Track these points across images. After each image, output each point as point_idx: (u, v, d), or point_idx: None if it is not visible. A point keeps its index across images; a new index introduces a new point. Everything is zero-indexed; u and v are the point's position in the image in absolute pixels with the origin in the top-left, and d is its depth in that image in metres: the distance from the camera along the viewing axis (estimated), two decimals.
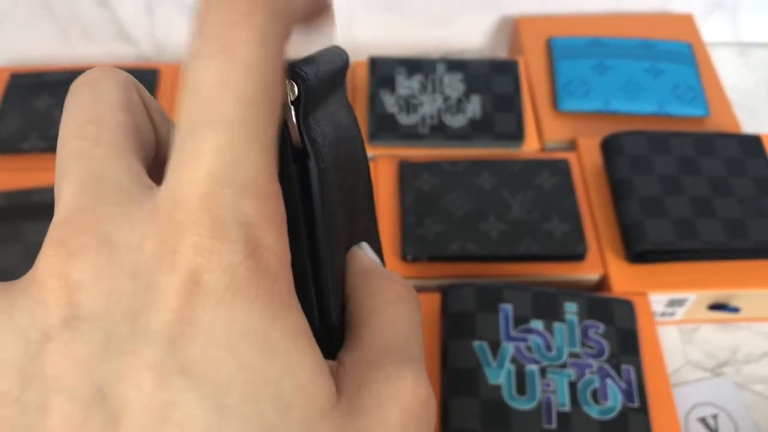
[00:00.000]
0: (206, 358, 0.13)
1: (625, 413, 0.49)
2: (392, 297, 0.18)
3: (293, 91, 0.16)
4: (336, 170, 0.18)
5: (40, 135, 0.64)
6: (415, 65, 0.68)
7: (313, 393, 0.14)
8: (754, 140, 0.62)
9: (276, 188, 0.15)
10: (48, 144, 0.63)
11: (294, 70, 0.16)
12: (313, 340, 0.15)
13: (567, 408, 0.48)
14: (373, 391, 0.16)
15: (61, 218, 0.15)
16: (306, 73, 0.16)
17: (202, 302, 0.13)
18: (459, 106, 0.66)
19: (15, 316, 0.14)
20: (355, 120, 0.21)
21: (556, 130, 0.67)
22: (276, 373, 0.14)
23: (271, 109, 0.14)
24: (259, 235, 0.14)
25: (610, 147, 0.62)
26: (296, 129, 0.17)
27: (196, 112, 0.14)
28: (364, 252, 0.20)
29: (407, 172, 0.61)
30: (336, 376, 0.16)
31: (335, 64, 0.19)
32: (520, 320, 0.51)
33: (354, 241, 0.20)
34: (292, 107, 0.16)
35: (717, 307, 0.58)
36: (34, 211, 0.58)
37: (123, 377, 0.13)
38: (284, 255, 0.15)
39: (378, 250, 0.22)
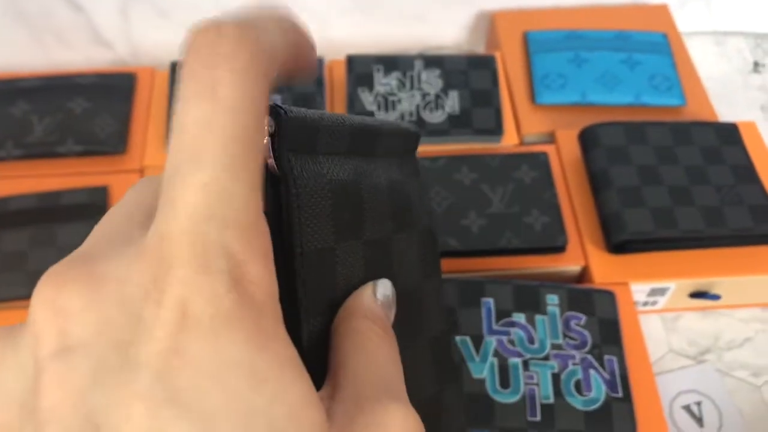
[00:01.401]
0: (194, 389, 0.13)
1: (608, 403, 0.49)
2: (373, 336, 0.19)
3: (270, 125, 0.17)
4: (346, 211, 0.20)
5: (15, 143, 0.63)
6: (393, 62, 0.68)
7: (303, 421, 0.14)
8: (731, 128, 0.63)
9: (262, 223, 0.15)
10: (24, 151, 0.62)
11: (274, 107, 0.17)
12: (301, 369, 0.15)
13: (551, 400, 0.48)
14: (365, 423, 0.16)
15: (65, 258, 0.15)
16: (284, 110, 0.17)
17: (188, 333, 0.14)
18: (437, 102, 0.66)
19: (18, 351, 0.15)
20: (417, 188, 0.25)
21: (535, 124, 0.67)
22: (265, 402, 0.14)
23: (253, 147, 0.15)
24: (243, 268, 0.14)
25: (587, 139, 0.62)
26: (272, 157, 0.17)
27: (181, 152, 0.14)
28: (370, 290, 0.20)
29: None
30: (327, 408, 0.16)
31: (382, 127, 0.22)
32: (502, 314, 0.51)
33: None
34: (269, 137, 0.17)
35: (698, 294, 0.59)
36: (10, 219, 0.57)
37: (113, 407, 0.13)
38: (270, 287, 0.15)
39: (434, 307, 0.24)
